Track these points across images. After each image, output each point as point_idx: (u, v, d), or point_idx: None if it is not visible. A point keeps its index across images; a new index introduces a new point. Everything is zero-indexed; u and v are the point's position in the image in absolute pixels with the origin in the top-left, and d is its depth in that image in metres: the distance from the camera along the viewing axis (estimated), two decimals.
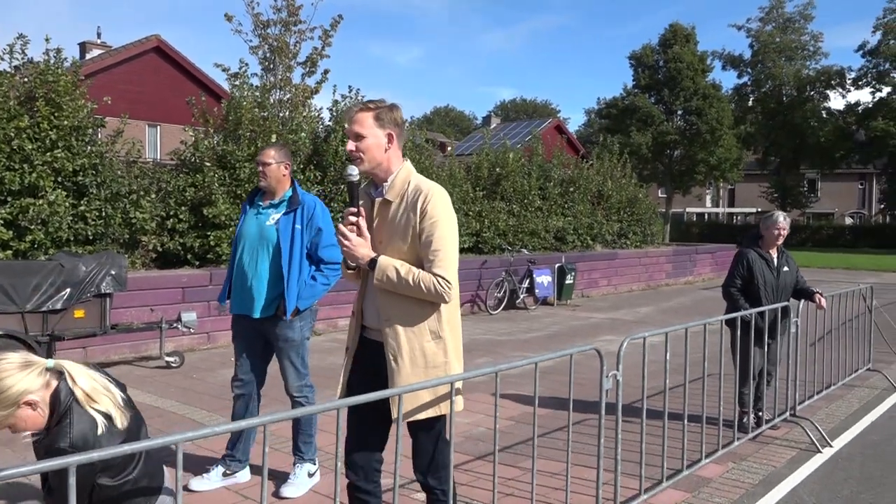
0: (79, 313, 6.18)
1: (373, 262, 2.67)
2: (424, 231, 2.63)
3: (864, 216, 53.09)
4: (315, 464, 4.21)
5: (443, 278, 2.60)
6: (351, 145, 2.70)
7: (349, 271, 2.89)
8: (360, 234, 2.71)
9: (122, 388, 2.19)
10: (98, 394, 1.94)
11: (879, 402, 6.44)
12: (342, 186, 11.63)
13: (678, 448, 4.26)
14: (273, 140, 10.58)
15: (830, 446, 5.10)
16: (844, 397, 6.54)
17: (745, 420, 5.18)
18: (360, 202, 2.78)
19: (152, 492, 2.09)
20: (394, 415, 2.65)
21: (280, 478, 4.17)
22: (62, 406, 1.89)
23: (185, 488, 4.10)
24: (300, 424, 4.12)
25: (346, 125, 2.76)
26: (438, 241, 2.62)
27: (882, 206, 44.37)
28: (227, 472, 4.16)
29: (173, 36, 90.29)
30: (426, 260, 2.63)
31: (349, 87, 12.94)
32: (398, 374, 2.66)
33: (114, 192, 8.81)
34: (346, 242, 2.69)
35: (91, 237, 8.53)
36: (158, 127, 24.14)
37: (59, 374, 1.97)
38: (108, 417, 1.92)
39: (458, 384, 2.76)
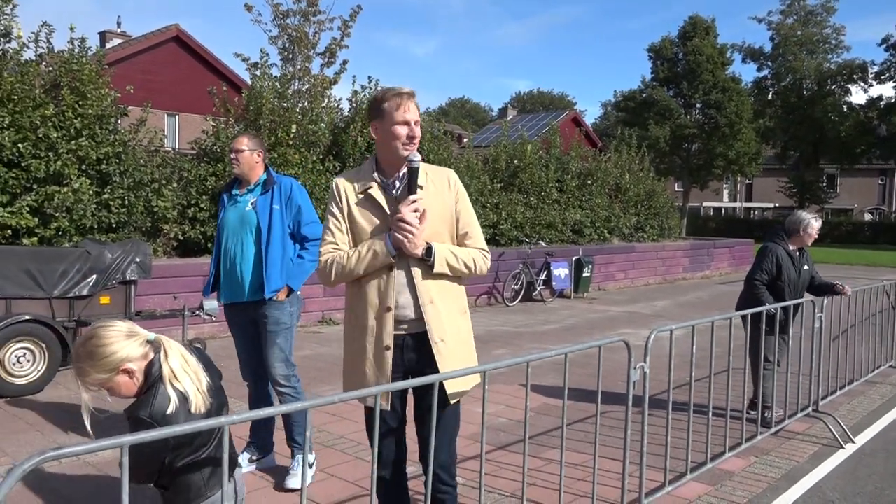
0: (104, 300, 6.26)
1: (429, 250, 2.66)
2: (461, 209, 2.77)
3: (885, 212, 52.44)
4: (313, 453, 4.21)
5: (484, 251, 2.79)
6: (418, 131, 2.71)
7: (390, 260, 2.65)
8: (422, 221, 2.66)
9: (218, 375, 2.24)
10: (182, 374, 2.00)
11: None
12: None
13: (702, 441, 4.26)
14: (293, 129, 10.64)
15: (853, 442, 5.07)
16: (866, 393, 6.50)
17: (766, 415, 5.16)
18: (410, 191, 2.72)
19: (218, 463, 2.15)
20: (448, 392, 2.66)
21: (276, 473, 4.18)
22: (151, 378, 1.97)
23: None
24: (293, 417, 4.08)
25: (401, 112, 2.65)
26: (472, 217, 2.80)
27: None
28: (253, 457, 4.21)
29: (192, 25, 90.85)
30: (465, 237, 2.76)
31: (368, 77, 12.93)
32: (445, 354, 2.66)
33: (136, 181, 8.90)
34: (413, 230, 2.60)
35: (114, 225, 8.62)
36: (177, 116, 24.29)
37: (157, 347, 2.05)
38: (184, 398, 1.96)
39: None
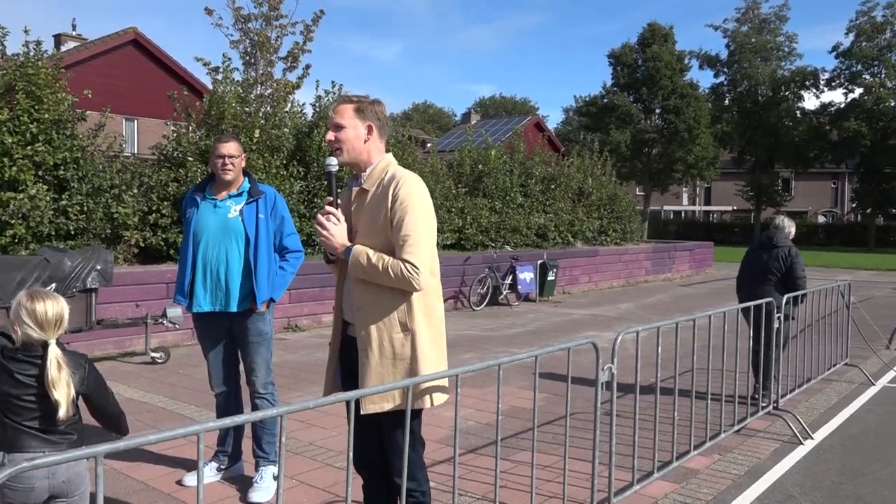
0: None
1: (347, 251, 2.67)
2: (395, 216, 2.62)
3: (837, 215, 54.08)
4: (275, 465, 4.07)
5: (410, 263, 2.55)
6: (330, 135, 2.75)
7: (329, 263, 2.89)
8: (336, 223, 2.72)
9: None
10: None
11: (857, 395, 6.60)
12: (325, 182, 11.63)
13: (668, 441, 4.34)
14: (256, 134, 10.55)
15: (812, 438, 5.22)
16: (823, 391, 6.69)
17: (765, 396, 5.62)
18: (339, 193, 2.82)
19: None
20: (362, 409, 2.60)
21: (244, 482, 4.11)
22: None
23: (179, 483, 4.10)
24: (265, 424, 4.02)
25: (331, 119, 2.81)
26: (408, 227, 2.59)
27: (854, 205, 45.15)
28: (221, 466, 4.16)
29: (150, 27, 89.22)
30: (396, 245, 2.61)
31: (332, 82, 12.88)
32: (368, 367, 2.65)
33: (95, 187, 8.72)
34: (323, 232, 2.70)
35: (73, 232, 8.44)
36: (136, 121, 23.86)
37: None
38: None
39: (443, 381, 2.74)
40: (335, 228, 2.71)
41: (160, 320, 7.40)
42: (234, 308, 3.92)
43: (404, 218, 2.60)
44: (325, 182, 2.83)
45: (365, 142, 2.76)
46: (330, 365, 2.89)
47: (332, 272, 2.93)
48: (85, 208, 8.48)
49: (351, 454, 2.43)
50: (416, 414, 2.72)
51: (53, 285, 6.00)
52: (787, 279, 6.21)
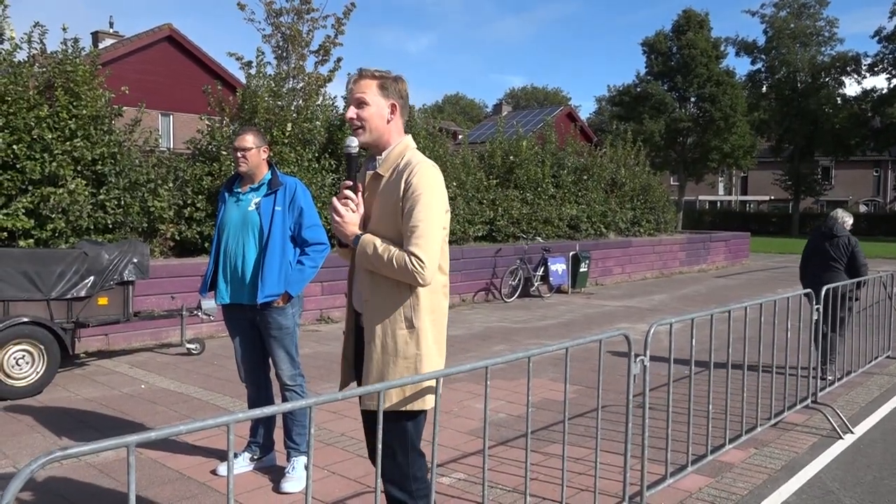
0: (102, 301, 6.25)
1: (356, 239, 2.53)
2: (407, 205, 2.45)
3: (879, 204, 52.59)
4: (306, 455, 4.12)
5: (416, 256, 2.39)
6: (352, 112, 2.55)
7: (341, 249, 2.73)
8: (355, 209, 2.57)
9: None
10: None
11: None
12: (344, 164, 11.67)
13: (702, 434, 4.27)
14: (289, 128, 10.63)
15: (852, 433, 5.09)
16: (864, 384, 6.52)
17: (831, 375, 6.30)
18: (357, 176, 2.65)
19: None
20: (362, 405, 2.54)
21: (276, 472, 4.15)
22: None
23: (213, 472, 4.16)
24: (295, 416, 4.05)
25: (347, 93, 2.62)
26: (417, 217, 2.43)
27: None
28: (254, 457, 4.21)
29: (185, 25, 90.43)
30: (404, 236, 2.45)
31: None
32: (371, 361, 2.54)
33: (132, 181, 8.87)
34: (336, 217, 2.55)
35: (110, 226, 8.60)
36: (171, 116, 24.25)
37: None
38: None
39: (432, 382, 2.57)
40: (350, 216, 2.55)
41: (195, 312, 7.52)
42: (246, 300, 3.94)
43: (415, 207, 2.43)
44: (345, 164, 2.66)
45: (388, 122, 2.57)
46: (344, 355, 2.78)
47: (342, 257, 2.79)
48: (122, 202, 8.63)
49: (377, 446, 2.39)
50: (413, 416, 2.54)
51: (92, 278, 6.13)
52: (850, 267, 6.77)
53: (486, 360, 2.68)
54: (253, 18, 13.15)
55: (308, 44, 13.01)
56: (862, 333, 6.70)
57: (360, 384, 2.66)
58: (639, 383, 3.51)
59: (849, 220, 6.99)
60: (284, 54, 13.06)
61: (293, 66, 12.86)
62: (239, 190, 4.08)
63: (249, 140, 4.00)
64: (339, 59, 13.12)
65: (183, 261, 8.98)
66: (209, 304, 7.47)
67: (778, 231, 43.60)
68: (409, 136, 2.67)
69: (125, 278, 6.34)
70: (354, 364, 2.74)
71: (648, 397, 3.58)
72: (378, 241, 2.48)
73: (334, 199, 2.57)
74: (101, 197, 8.48)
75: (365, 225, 2.60)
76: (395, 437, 2.50)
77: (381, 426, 2.41)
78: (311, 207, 4.07)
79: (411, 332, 2.52)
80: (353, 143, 2.56)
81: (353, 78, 2.62)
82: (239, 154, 4.00)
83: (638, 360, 3.28)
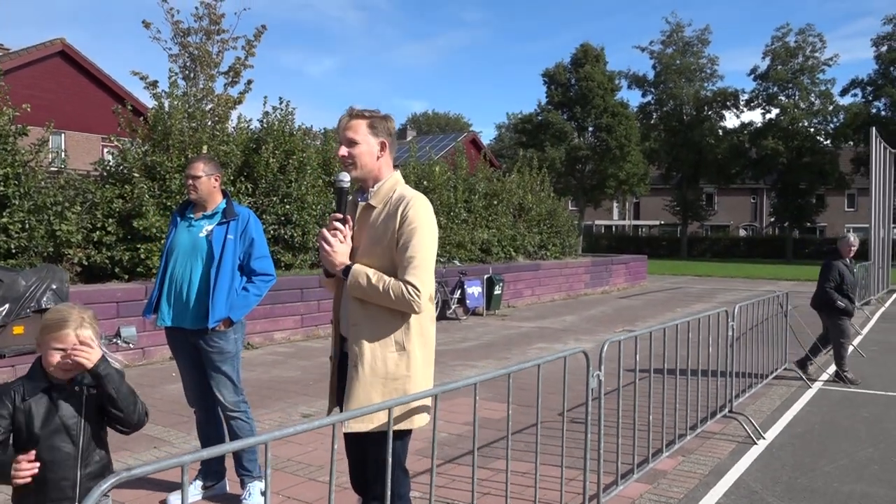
0: (18, 329, 5.91)
1: (347, 270, 2.62)
2: (402, 237, 2.57)
3: (756, 228, 56.82)
4: (261, 480, 4.08)
5: (413, 286, 2.51)
6: (343, 151, 2.68)
7: (327, 279, 2.85)
8: (343, 241, 2.66)
9: None
10: None
11: (798, 397, 7.03)
12: (274, 198, 11.52)
13: (642, 445, 4.54)
14: (204, 150, 10.38)
15: (764, 438, 5.54)
16: (767, 395, 7.08)
17: (849, 376, 7.69)
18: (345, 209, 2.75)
19: None
20: (345, 428, 2.58)
21: (230, 500, 4.10)
22: None
23: (162, 503, 4.03)
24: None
25: (339, 131, 2.74)
26: (414, 249, 2.55)
27: (772, 219, 47.61)
28: (206, 485, 4.12)
29: (78, 39, 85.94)
30: (400, 266, 2.56)
31: (280, 98, 12.81)
32: (356, 382, 2.59)
33: (37, 204, 8.42)
34: (326, 248, 2.64)
35: (13, 250, 8.11)
36: (63, 134, 23.00)
37: None
38: None
39: (427, 401, 2.70)
40: (340, 246, 2.64)
41: (114, 339, 7.21)
42: (189, 324, 3.92)
43: (411, 239, 2.56)
44: (335, 197, 2.73)
45: (378, 158, 2.71)
46: (332, 381, 2.83)
47: (328, 287, 2.89)
48: (27, 226, 8.17)
49: (334, 469, 2.38)
50: (402, 435, 2.64)
51: (7, 305, 5.79)
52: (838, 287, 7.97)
53: (474, 377, 2.80)
54: (159, 37, 12.76)
55: (217, 65, 12.75)
56: (762, 348, 7.27)
57: (341, 409, 2.69)
58: (581, 396, 3.71)
59: (843, 244, 8.07)
60: (192, 75, 12.74)
61: (202, 87, 12.56)
62: (192, 215, 4.06)
63: (200, 168, 3.99)
64: (249, 81, 12.85)
65: (96, 287, 8.56)
66: (129, 331, 7.19)
67: (668, 254, 46.21)
68: (398, 171, 2.81)
69: (43, 305, 6.02)
70: (340, 389, 2.76)
71: (603, 409, 3.79)
72: (370, 272, 2.58)
73: (324, 231, 2.65)
74: (4, 220, 8.00)
75: (352, 254, 2.69)
76: (385, 456, 2.56)
77: (390, 444, 2.48)
78: (261, 238, 4.10)
79: (401, 355, 2.62)
80: (345, 177, 2.68)
81: (343, 118, 2.73)
82: (189, 181, 4.00)
83: (594, 375, 3.49)
